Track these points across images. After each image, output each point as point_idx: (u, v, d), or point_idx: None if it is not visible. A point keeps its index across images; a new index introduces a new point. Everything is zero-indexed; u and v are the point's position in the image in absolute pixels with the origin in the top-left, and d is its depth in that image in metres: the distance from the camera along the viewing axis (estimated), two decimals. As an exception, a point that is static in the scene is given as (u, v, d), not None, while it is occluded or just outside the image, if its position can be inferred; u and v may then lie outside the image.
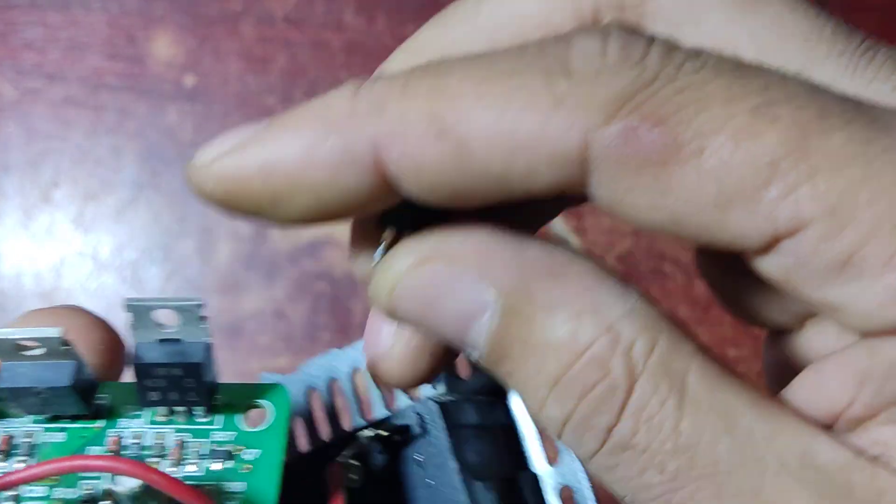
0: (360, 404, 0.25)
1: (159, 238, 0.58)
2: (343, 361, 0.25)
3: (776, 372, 0.20)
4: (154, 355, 0.21)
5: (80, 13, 0.60)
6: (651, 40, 0.17)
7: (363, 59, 0.60)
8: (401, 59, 0.21)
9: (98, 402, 0.23)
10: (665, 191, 0.16)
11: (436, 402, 0.24)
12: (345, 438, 0.25)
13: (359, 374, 0.25)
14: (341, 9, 0.61)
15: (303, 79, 0.60)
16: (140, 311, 0.21)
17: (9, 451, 0.22)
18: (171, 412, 0.22)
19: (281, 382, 0.23)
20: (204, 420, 0.22)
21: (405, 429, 0.24)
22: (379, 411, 0.25)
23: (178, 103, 0.59)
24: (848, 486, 0.16)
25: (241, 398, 0.22)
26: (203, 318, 0.21)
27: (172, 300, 0.21)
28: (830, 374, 0.17)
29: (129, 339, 0.22)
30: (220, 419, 0.22)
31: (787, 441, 0.17)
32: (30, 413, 0.22)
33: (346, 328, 0.57)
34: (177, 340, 0.21)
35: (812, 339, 0.19)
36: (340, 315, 0.57)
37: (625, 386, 0.17)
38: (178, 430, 0.22)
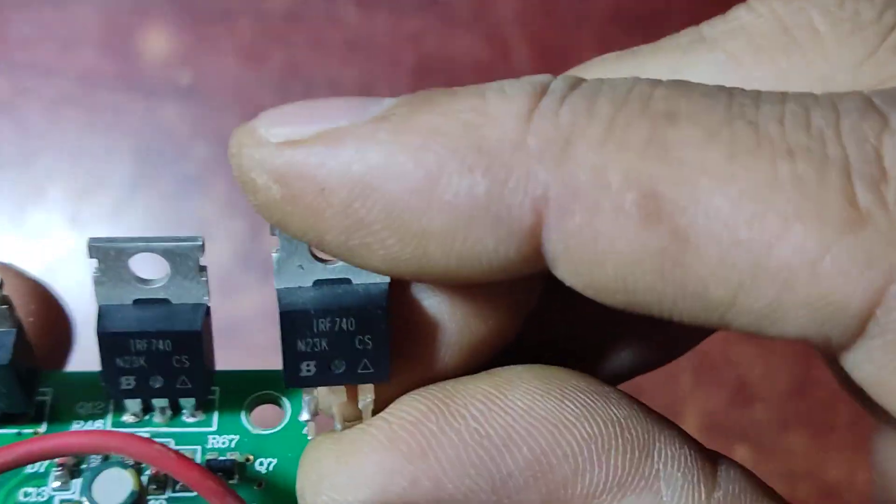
0: None
1: (155, 237, 0.58)
2: None
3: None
4: (128, 322, 0.15)
5: (74, 9, 0.59)
6: None
7: (362, 56, 0.59)
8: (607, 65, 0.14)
9: (39, 397, 0.16)
10: None
11: None
12: None
13: None
14: (340, 5, 0.60)
15: (300, 77, 0.59)
16: (110, 256, 0.14)
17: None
18: (146, 410, 0.16)
19: None
20: (194, 420, 0.16)
21: None
22: None
23: (173, 101, 0.58)
24: None
25: (245, 390, 0.16)
26: (202, 269, 0.15)
27: (157, 240, 0.14)
28: None
29: (91, 298, 0.15)
30: (216, 419, 0.16)
31: None
32: None
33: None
34: (163, 301, 0.15)
35: None
36: (338, 315, 0.57)
37: None
38: (157, 436, 0.15)
